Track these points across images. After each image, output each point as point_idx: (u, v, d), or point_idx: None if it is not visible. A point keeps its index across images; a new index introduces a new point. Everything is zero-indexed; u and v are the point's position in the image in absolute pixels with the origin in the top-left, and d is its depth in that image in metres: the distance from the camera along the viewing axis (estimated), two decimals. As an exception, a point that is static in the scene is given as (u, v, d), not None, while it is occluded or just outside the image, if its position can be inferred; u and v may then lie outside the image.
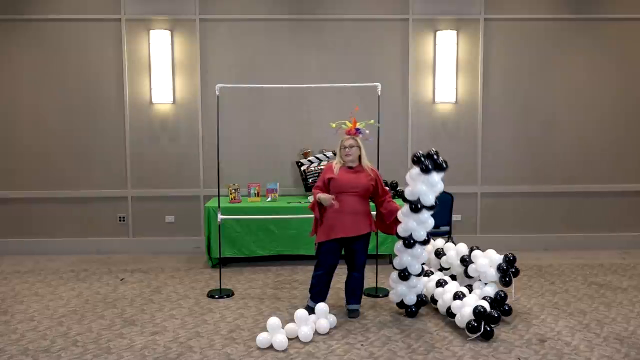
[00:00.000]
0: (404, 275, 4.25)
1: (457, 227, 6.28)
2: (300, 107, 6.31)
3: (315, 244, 4.28)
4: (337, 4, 6.25)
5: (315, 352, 3.71)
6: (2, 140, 6.28)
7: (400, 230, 4.17)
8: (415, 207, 4.02)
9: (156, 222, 6.40)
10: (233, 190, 5.85)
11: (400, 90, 6.32)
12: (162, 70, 6.16)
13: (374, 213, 4.39)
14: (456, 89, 6.32)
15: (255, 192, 5.98)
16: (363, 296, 4.48)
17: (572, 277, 5.36)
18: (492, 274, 4.25)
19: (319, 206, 4.27)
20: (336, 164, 4.27)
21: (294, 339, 3.88)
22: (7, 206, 6.33)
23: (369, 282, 4.65)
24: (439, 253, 4.81)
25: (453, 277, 4.64)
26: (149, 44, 6.18)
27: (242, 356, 3.66)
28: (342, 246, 4.27)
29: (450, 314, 4.15)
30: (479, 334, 3.84)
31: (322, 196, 4.13)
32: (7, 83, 6.21)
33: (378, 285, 4.96)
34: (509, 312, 4.20)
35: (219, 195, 5.07)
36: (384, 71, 6.27)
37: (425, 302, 4.44)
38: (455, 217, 6.23)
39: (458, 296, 4.13)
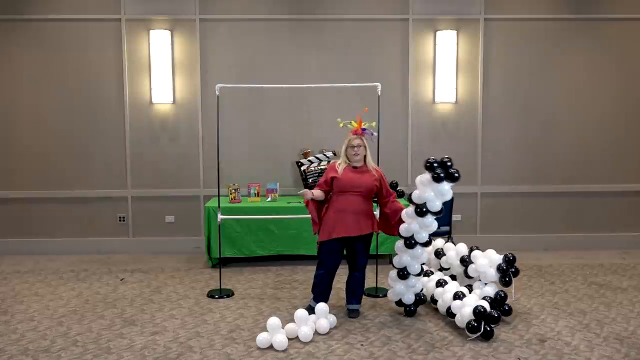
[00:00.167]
0: (403, 274, 4.25)
1: (457, 227, 6.28)
2: (300, 107, 6.31)
3: (317, 243, 4.29)
4: (337, 4, 6.25)
5: (315, 352, 3.71)
6: (2, 140, 6.28)
7: (403, 230, 4.15)
8: (421, 211, 3.98)
9: (156, 222, 6.40)
10: (233, 190, 5.85)
11: (400, 90, 6.33)
12: (162, 70, 6.16)
13: (376, 213, 4.39)
14: (456, 89, 6.32)
15: (255, 192, 5.98)
16: (363, 296, 4.48)
17: (572, 277, 5.36)
18: (492, 274, 4.25)
19: (318, 205, 4.29)
20: (340, 164, 4.27)
21: (294, 339, 3.88)
22: (7, 206, 6.33)
23: (369, 282, 4.65)
24: (439, 253, 4.81)
25: (453, 277, 4.64)
26: (149, 44, 6.18)
27: (242, 356, 3.66)
28: (344, 246, 4.27)
29: (450, 314, 4.15)
30: (479, 334, 3.85)
31: (302, 191, 4.26)
32: (7, 83, 6.21)
33: (378, 285, 4.97)
34: (509, 312, 4.20)
35: (219, 195, 5.08)
36: (384, 71, 6.27)
37: (424, 301, 4.45)
38: (455, 217, 6.23)
39: (458, 296, 4.13)
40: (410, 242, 4.13)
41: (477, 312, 3.83)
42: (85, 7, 6.16)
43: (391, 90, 6.22)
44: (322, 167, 6.03)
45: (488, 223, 6.52)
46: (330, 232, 4.16)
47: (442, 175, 3.85)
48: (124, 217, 6.40)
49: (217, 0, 6.22)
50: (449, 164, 3.89)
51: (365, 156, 4.25)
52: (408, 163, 6.38)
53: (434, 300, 4.42)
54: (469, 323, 3.87)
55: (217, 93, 4.82)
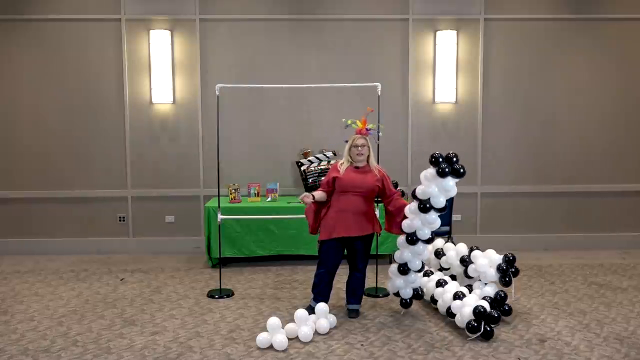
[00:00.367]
0: (404, 269, 4.26)
1: (457, 227, 6.27)
2: (300, 107, 6.31)
3: (318, 241, 4.29)
4: (337, 4, 6.25)
5: (315, 352, 3.71)
6: (2, 140, 6.28)
7: (405, 226, 4.13)
8: (425, 206, 3.96)
9: (156, 222, 6.40)
10: (233, 190, 5.85)
11: (400, 90, 6.32)
12: (162, 70, 6.16)
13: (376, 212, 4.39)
14: (456, 89, 6.32)
15: (255, 192, 5.98)
16: (363, 296, 4.48)
17: (572, 277, 5.36)
18: (492, 274, 4.24)
19: (319, 206, 4.29)
20: (342, 164, 4.27)
21: (294, 339, 3.88)
22: (7, 206, 6.33)
23: (369, 282, 4.65)
24: (439, 253, 4.81)
25: (453, 277, 4.64)
26: (149, 44, 6.18)
27: (242, 356, 3.66)
28: (344, 246, 4.27)
29: (450, 314, 4.15)
30: (479, 334, 3.85)
31: (302, 196, 4.23)
32: (7, 83, 6.21)
33: (378, 285, 4.97)
34: (509, 312, 4.19)
35: (219, 195, 5.08)
36: (384, 71, 6.27)
37: (421, 296, 4.46)
38: (455, 217, 6.22)
39: (458, 296, 4.13)
40: (413, 239, 4.12)
41: (477, 312, 3.83)
42: (85, 7, 6.16)
43: (391, 90, 6.22)
44: (322, 167, 6.03)
45: (488, 223, 6.52)
46: (330, 232, 4.16)
47: (447, 170, 3.83)
48: (124, 217, 6.40)
49: (217, 0, 6.22)
50: (454, 159, 3.86)
51: (368, 156, 4.24)
52: (408, 163, 6.38)
53: (434, 300, 4.42)
54: (469, 323, 3.87)
55: (217, 93, 4.82)
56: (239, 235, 5.68)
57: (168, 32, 6.17)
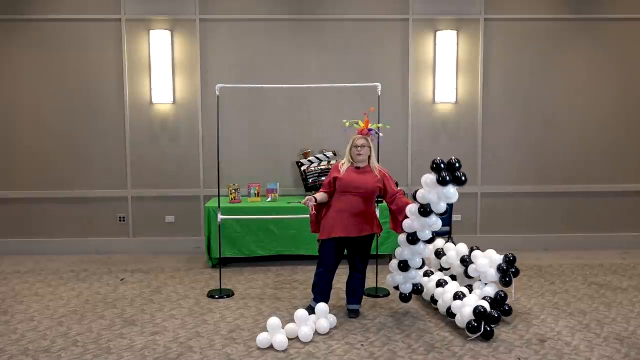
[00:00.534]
0: (404, 266, 4.26)
1: (457, 227, 6.27)
2: (300, 107, 6.31)
3: (318, 240, 4.29)
4: (337, 4, 6.25)
5: (315, 352, 3.71)
6: (2, 140, 6.28)
7: (406, 226, 4.12)
8: (425, 210, 3.91)
9: (156, 222, 6.40)
10: (233, 190, 5.85)
11: (400, 90, 6.32)
12: (162, 70, 6.16)
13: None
14: (456, 89, 6.32)
15: (255, 192, 5.98)
16: (363, 296, 4.48)
17: (572, 277, 5.36)
18: (492, 274, 4.24)
19: (320, 207, 4.29)
20: (343, 164, 4.27)
21: (294, 339, 3.88)
22: (7, 206, 6.33)
23: (369, 282, 4.65)
24: (439, 253, 4.81)
25: (453, 277, 4.64)
26: (149, 44, 6.18)
27: (242, 356, 3.66)
28: (344, 245, 4.27)
29: (450, 314, 4.15)
30: (479, 334, 3.84)
31: (305, 200, 4.18)
32: (7, 83, 6.21)
33: (378, 285, 4.97)
34: (509, 312, 4.19)
35: (219, 195, 5.07)
36: (384, 71, 6.27)
37: (421, 291, 4.48)
38: (455, 217, 6.23)
39: (458, 296, 4.13)
40: (413, 238, 4.12)
41: (477, 312, 3.83)
42: (85, 7, 6.16)
43: (391, 90, 6.22)
44: (322, 167, 6.03)
45: (488, 223, 6.51)
46: (330, 231, 4.17)
47: (447, 178, 3.75)
48: (124, 217, 6.40)
49: (217, 0, 6.21)
50: (457, 165, 3.78)
51: (369, 157, 4.23)
52: (408, 163, 6.38)
53: (434, 300, 4.42)
54: (469, 323, 3.87)
55: (217, 93, 4.82)
56: (239, 235, 5.68)
57: (168, 32, 6.17)
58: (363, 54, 6.27)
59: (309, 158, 6.10)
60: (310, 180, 6.03)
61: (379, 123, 4.55)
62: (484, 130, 6.40)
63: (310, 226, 4.38)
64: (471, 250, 4.47)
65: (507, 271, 4.18)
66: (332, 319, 4.11)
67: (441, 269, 4.83)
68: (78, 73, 6.22)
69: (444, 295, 4.26)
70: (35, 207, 6.34)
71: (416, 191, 4.03)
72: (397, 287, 4.47)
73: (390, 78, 6.27)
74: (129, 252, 6.35)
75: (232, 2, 6.23)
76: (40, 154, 6.29)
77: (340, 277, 4.69)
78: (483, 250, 4.41)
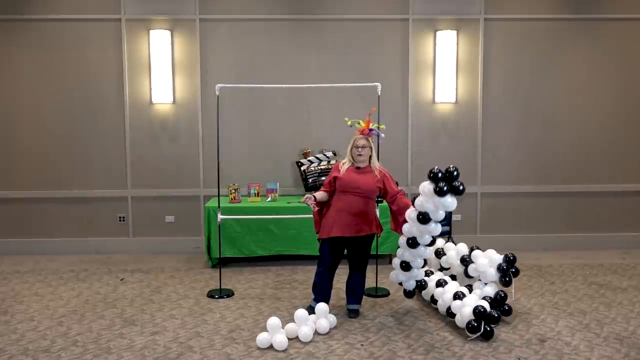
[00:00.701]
0: (405, 266, 4.28)
1: (457, 227, 6.27)
2: (300, 107, 6.31)
3: (318, 240, 4.30)
4: (337, 4, 6.25)
5: (315, 352, 3.71)
6: (2, 140, 6.27)
7: (405, 230, 4.11)
8: (424, 218, 3.86)
9: (156, 222, 6.40)
10: (233, 190, 5.85)
11: (400, 90, 6.32)
12: (162, 70, 6.16)
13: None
14: (456, 89, 6.32)
15: (255, 192, 5.97)
16: (363, 296, 4.48)
17: (572, 277, 5.36)
18: (492, 274, 4.24)
19: (321, 204, 4.30)
20: (344, 163, 4.27)
21: (294, 339, 3.88)
22: (7, 206, 6.33)
23: (369, 282, 4.64)
24: (439, 253, 4.81)
25: (453, 277, 4.64)
26: (149, 44, 6.17)
27: (242, 356, 3.66)
28: (344, 245, 4.27)
29: (450, 314, 4.15)
30: (479, 334, 3.84)
31: (304, 198, 4.19)
32: (7, 83, 6.21)
33: (378, 285, 4.96)
34: (509, 312, 4.19)
35: (219, 195, 5.07)
36: (384, 71, 6.27)
37: (425, 287, 4.51)
38: (455, 217, 6.23)
39: (458, 296, 4.13)
40: (413, 242, 4.12)
41: (477, 312, 3.83)
42: (85, 7, 6.16)
43: (391, 90, 6.22)
44: (322, 167, 6.03)
45: (488, 223, 6.51)
46: (329, 231, 4.17)
47: (445, 189, 3.67)
48: (124, 217, 6.40)
49: (217, 0, 6.21)
50: (455, 173, 3.70)
51: (370, 157, 4.22)
52: (408, 163, 6.38)
53: (434, 300, 4.42)
54: (469, 323, 3.87)
55: (217, 93, 4.82)
56: (239, 235, 5.68)
57: (168, 32, 6.17)
58: (363, 54, 6.27)
59: (309, 158, 6.10)
60: (310, 180, 6.03)
61: (377, 123, 4.55)
62: (484, 130, 6.40)
63: (314, 227, 4.38)
64: (471, 250, 4.47)
65: (507, 271, 4.19)
66: (332, 319, 4.11)
67: (441, 269, 4.83)
68: (78, 73, 6.22)
69: (444, 295, 4.26)
70: (35, 207, 6.34)
71: (415, 197, 3.99)
72: (401, 283, 4.52)
73: (390, 78, 6.27)
74: (129, 252, 6.35)
75: (232, 2, 6.22)
76: (40, 154, 6.29)
77: (340, 277, 4.69)
78: (483, 250, 4.41)
